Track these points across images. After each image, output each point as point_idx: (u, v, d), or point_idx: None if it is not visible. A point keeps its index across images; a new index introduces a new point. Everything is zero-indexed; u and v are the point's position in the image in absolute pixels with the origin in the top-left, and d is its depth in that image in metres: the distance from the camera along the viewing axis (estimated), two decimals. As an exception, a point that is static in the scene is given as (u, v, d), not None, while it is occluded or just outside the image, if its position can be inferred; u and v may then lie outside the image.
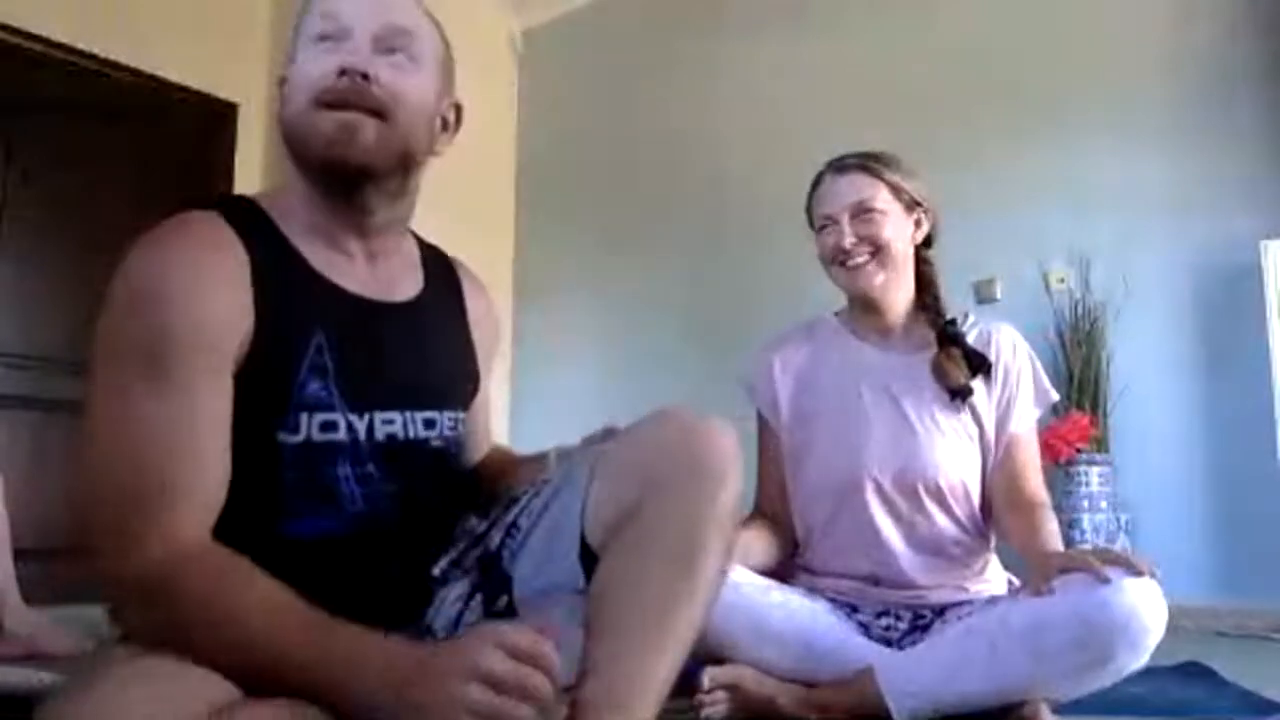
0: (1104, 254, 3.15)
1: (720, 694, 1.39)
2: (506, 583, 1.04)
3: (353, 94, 0.98)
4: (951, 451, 1.55)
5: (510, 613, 1.03)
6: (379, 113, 0.99)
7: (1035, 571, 1.39)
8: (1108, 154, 3.23)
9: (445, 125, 1.11)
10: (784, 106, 3.98)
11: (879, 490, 1.55)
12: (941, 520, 1.56)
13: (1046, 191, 3.31)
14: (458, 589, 1.08)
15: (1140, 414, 3.05)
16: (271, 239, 1.00)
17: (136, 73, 3.99)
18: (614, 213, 4.43)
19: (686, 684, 1.41)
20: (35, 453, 3.53)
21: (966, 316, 1.65)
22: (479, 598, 1.06)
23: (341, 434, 0.99)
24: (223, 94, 4.28)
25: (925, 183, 1.66)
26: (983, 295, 3.35)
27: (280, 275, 0.98)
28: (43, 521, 3.40)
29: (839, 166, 1.64)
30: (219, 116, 4.28)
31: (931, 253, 1.69)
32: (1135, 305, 3.09)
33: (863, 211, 1.58)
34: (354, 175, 1.00)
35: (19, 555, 2.21)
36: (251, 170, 4.35)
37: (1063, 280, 3.23)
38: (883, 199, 1.59)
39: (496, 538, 1.07)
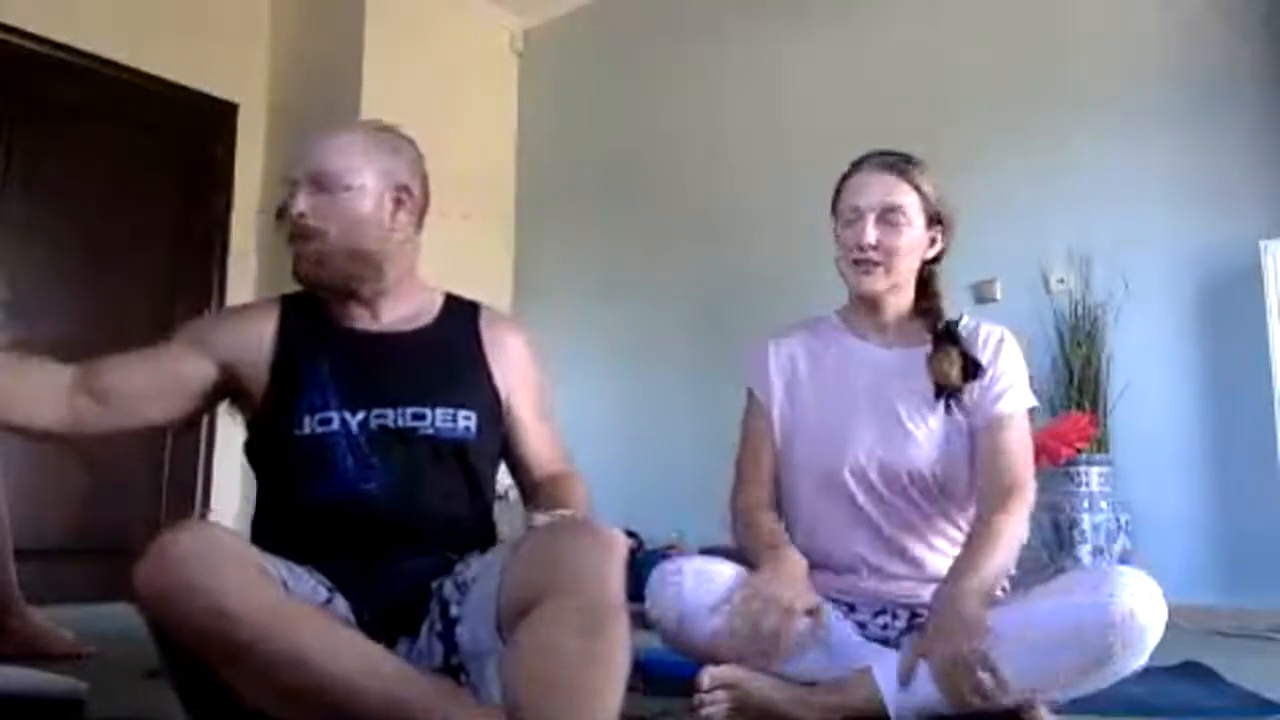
0: (1104, 254, 3.15)
1: (720, 693, 1.39)
2: (455, 645, 1.22)
3: (296, 228, 1.37)
4: (938, 446, 1.56)
5: (457, 670, 1.20)
6: (316, 236, 1.36)
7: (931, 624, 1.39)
8: (1108, 154, 3.23)
9: (399, 204, 1.41)
10: (784, 107, 3.98)
11: (864, 478, 1.56)
12: (930, 513, 1.56)
13: (1046, 191, 3.31)
14: (427, 627, 1.25)
15: (1140, 414, 3.05)
16: (308, 307, 1.43)
17: (136, 73, 3.99)
18: (615, 212, 4.43)
19: (686, 684, 1.42)
20: (35, 453, 3.52)
21: (961, 318, 1.65)
22: (440, 648, 1.23)
23: (335, 425, 1.33)
24: (223, 94, 4.28)
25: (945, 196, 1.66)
26: (983, 295, 3.34)
27: (301, 326, 1.41)
28: (43, 521, 3.41)
29: (878, 162, 1.64)
30: (219, 116, 4.29)
31: (939, 266, 1.68)
32: (1135, 305, 3.09)
33: (889, 213, 1.59)
34: (312, 285, 1.40)
35: (19, 555, 2.22)
36: (252, 170, 4.35)
37: (1063, 280, 3.23)
38: (911, 206, 1.59)
39: (453, 592, 1.25)
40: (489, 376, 1.46)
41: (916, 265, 1.64)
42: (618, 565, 1.08)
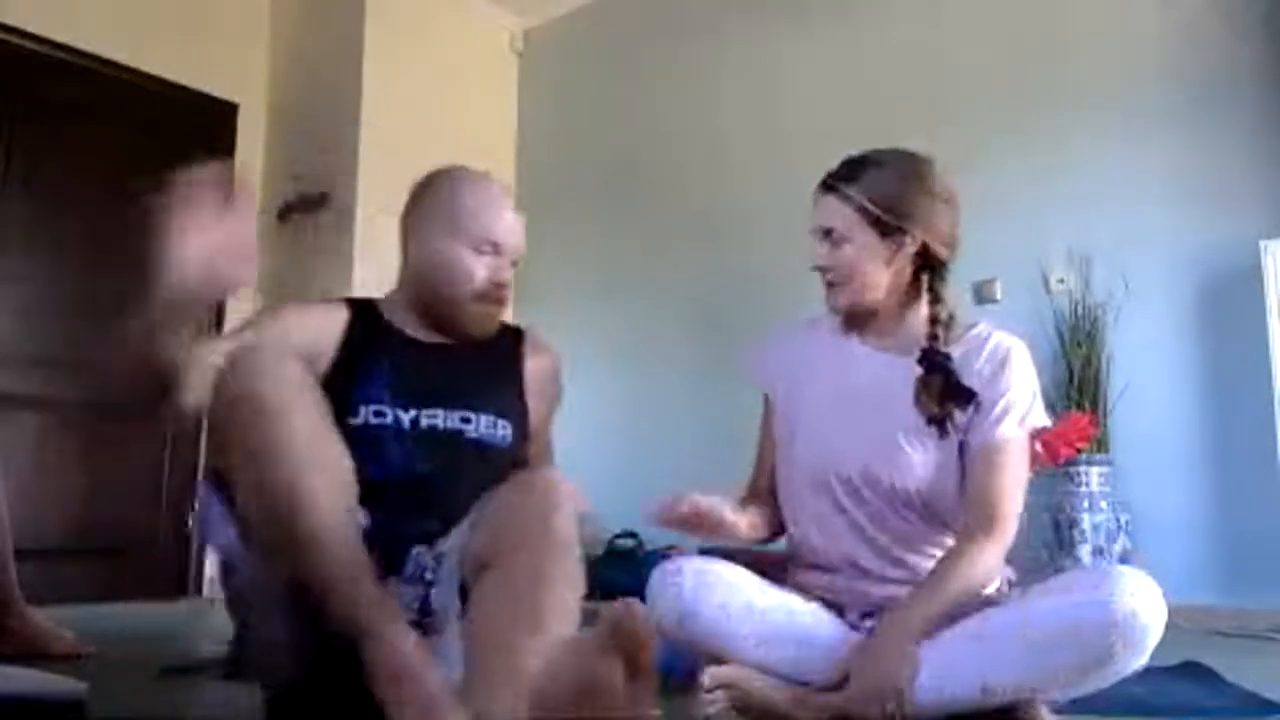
0: (1104, 254, 3.15)
1: (720, 693, 1.39)
2: (429, 609, 1.33)
3: (497, 295, 1.55)
4: (930, 470, 1.53)
5: (429, 631, 1.29)
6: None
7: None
8: (1108, 154, 3.23)
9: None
10: (785, 106, 3.99)
11: (848, 481, 1.55)
12: (914, 520, 1.55)
13: (1046, 191, 3.31)
14: (409, 592, 1.35)
15: (1140, 414, 3.05)
16: (369, 313, 1.57)
17: (136, 73, 4.00)
18: (615, 212, 4.44)
19: (686, 683, 1.43)
20: (35, 453, 3.54)
21: (975, 326, 1.60)
22: (415, 609, 1.33)
23: (389, 420, 1.45)
24: (223, 94, 4.28)
25: (937, 196, 1.55)
26: (983, 295, 3.35)
27: (365, 331, 1.53)
28: (43, 521, 3.41)
29: (821, 182, 1.60)
30: (219, 116, 4.29)
31: (944, 266, 1.58)
32: (1135, 305, 3.09)
33: (827, 234, 1.57)
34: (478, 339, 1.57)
35: (19, 555, 2.21)
36: (251, 170, 4.35)
37: (1063, 280, 3.23)
38: (847, 226, 1.54)
39: (430, 561, 1.35)
40: (522, 396, 1.61)
41: (889, 271, 1.56)
42: (563, 509, 1.20)
